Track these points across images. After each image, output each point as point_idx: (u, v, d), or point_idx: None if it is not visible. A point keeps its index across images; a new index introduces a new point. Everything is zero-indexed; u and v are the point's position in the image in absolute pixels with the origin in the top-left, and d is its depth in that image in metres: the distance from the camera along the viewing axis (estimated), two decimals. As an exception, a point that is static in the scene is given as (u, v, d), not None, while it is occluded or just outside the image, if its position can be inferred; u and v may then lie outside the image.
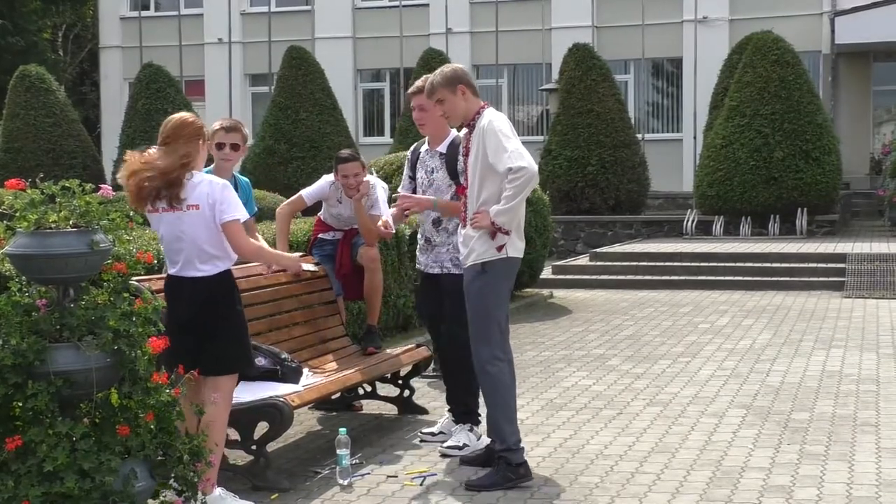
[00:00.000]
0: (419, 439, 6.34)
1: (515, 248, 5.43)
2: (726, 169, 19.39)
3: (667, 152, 26.38)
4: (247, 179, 7.19)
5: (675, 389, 7.80)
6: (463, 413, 6.17)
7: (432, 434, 6.30)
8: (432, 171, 6.13)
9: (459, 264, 5.73)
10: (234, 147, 6.57)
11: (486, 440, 5.90)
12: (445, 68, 5.58)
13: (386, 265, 9.97)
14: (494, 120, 5.38)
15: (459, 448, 5.96)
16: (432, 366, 7.74)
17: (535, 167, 5.26)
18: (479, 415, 6.11)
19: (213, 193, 4.80)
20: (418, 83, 6.02)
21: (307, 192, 7.49)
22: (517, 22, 27.42)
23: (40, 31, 35.26)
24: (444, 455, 5.95)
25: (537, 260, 12.68)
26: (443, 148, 6.13)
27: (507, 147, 5.24)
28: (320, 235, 7.61)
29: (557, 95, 22.17)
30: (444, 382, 6.38)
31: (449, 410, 6.32)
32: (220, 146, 6.49)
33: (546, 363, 8.93)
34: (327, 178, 7.37)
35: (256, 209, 7.16)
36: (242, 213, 4.95)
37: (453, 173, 5.97)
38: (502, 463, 5.35)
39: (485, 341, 5.40)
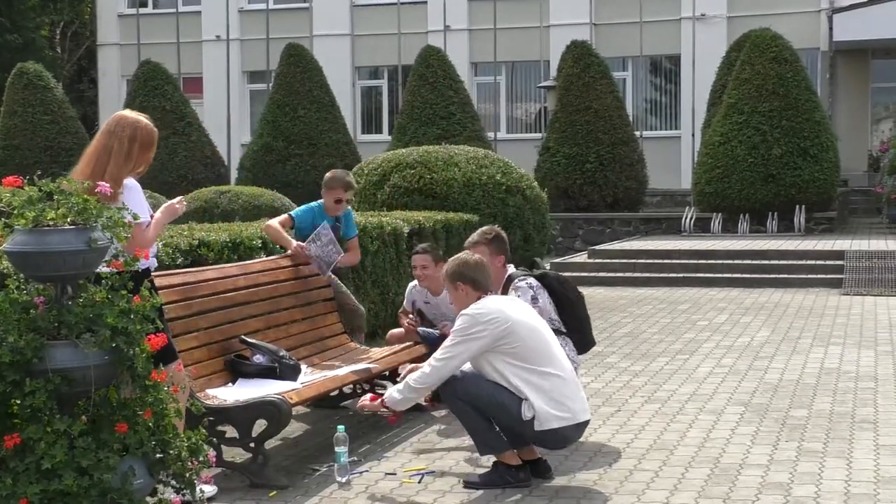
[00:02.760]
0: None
1: None
2: (724, 166, 19.40)
3: (665, 149, 26.40)
4: (349, 209, 7.78)
5: (673, 386, 7.80)
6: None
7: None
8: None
9: None
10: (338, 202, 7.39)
11: None
12: (454, 259, 5.67)
13: (385, 262, 9.99)
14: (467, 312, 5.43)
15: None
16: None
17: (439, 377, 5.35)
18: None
19: None
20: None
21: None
22: (515, 19, 27.41)
23: (38, 29, 35.23)
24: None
25: (534, 257, 12.67)
26: (499, 292, 6.22)
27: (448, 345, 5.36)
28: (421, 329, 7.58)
29: (556, 93, 22.18)
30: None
31: None
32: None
33: (544, 360, 8.92)
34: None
35: (357, 231, 7.85)
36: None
37: None
38: (501, 465, 5.34)
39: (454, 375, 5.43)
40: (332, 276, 7.50)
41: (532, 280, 6.25)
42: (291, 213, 7.71)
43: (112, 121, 5.17)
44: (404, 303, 7.78)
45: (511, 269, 6.39)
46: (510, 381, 5.28)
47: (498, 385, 5.31)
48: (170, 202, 5.19)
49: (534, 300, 6.12)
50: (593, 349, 8.06)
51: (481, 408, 5.32)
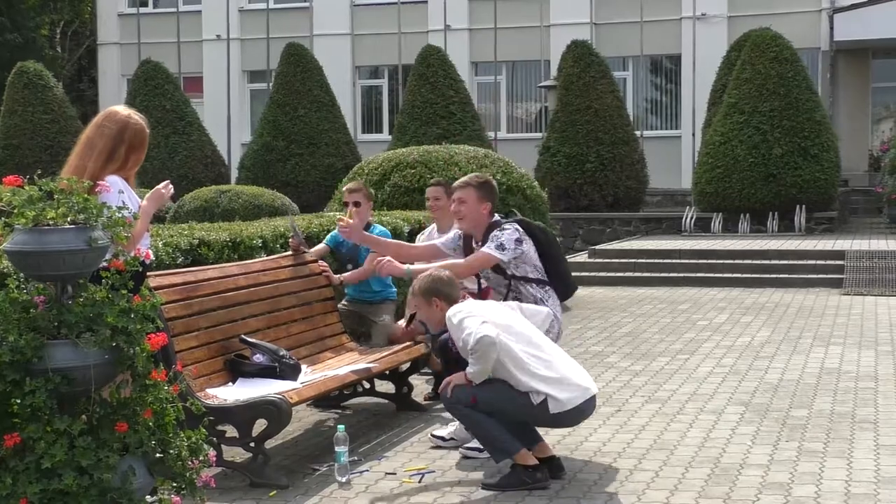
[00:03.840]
0: (428, 437, 6.31)
1: None
2: (725, 166, 19.39)
3: (665, 149, 26.40)
4: (383, 228, 7.94)
5: (673, 386, 7.80)
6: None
7: (443, 438, 6.21)
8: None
9: None
10: (357, 204, 7.53)
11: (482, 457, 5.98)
12: (425, 275, 5.67)
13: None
14: (452, 317, 5.44)
15: (481, 450, 5.97)
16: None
17: (492, 332, 5.23)
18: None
19: None
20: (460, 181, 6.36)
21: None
22: (516, 19, 27.41)
23: (38, 28, 35.24)
24: (465, 457, 5.91)
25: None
26: (482, 239, 6.25)
27: (465, 326, 5.30)
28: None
29: (556, 92, 22.18)
30: None
31: None
32: (346, 204, 7.59)
33: (544, 360, 8.92)
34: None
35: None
36: None
37: (498, 269, 6.15)
38: (519, 467, 5.32)
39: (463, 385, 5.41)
40: (387, 319, 7.74)
41: (517, 224, 6.21)
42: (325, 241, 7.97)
43: (101, 115, 5.13)
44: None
45: (497, 217, 6.35)
46: (511, 373, 5.27)
47: (499, 381, 5.32)
48: (155, 188, 5.11)
49: (518, 242, 6.09)
50: (593, 349, 8.05)
51: (487, 407, 5.31)
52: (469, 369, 5.34)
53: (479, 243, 6.26)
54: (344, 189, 7.88)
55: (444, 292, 5.56)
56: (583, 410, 5.38)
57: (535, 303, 6.11)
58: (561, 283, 6.35)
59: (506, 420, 5.34)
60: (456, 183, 6.42)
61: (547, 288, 6.22)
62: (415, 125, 21.96)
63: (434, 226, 7.97)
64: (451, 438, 6.19)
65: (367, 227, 7.81)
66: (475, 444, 5.93)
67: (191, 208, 15.38)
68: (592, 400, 5.42)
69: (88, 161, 4.92)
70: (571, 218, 20.72)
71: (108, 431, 3.92)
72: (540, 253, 6.25)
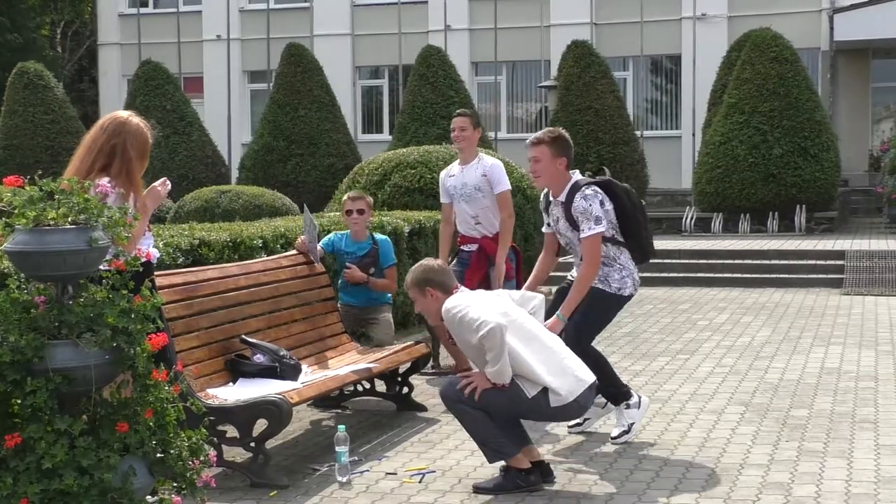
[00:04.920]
0: (568, 431, 6.36)
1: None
2: (725, 166, 19.40)
3: (665, 149, 26.39)
4: (386, 238, 8.07)
5: (673, 386, 7.80)
6: (613, 396, 6.23)
7: (578, 425, 6.31)
8: (557, 220, 6.29)
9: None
10: (360, 212, 7.72)
11: (646, 402, 6.26)
12: (417, 267, 5.57)
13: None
14: (451, 310, 5.32)
15: (627, 431, 6.10)
16: (431, 363, 7.75)
17: (499, 321, 5.15)
18: (626, 389, 6.26)
19: None
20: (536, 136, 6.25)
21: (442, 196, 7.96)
22: (516, 19, 27.41)
23: (39, 28, 35.26)
24: (616, 443, 6.06)
25: (536, 258, 12.66)
26: (562, 197, 6.19)
27: (469, 321, 5.20)
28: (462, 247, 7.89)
29: (556, 92, 22.18)
30: None
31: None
32: (349, 212, 7.74)
33: (545, 360, 8.92)
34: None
35: (395, 260, 7.96)
36: None
37: (572, 221, 6.11)
38: (512, 470, 5.30)
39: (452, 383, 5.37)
40: (387, 316, 7.81)
41: (597, 187, 6.15)
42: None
43: (108, 120, 5.11)
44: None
45: (577, 175, 6.23)
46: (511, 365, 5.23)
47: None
48: (151, 186, 5.10)
49: (601, 205, 6.05)
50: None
51: (484, 402, 5.22)
52: (489, 370, 5.20)
53: (558, 200, 6.18)
54: (345, 198, 7.86)
55: (436, 281, 5.44)
56: (583, 405, 5.33)
57: (610, 259, 6.13)
58: (639, 246, 6.31)
59: (502, 416, 5.27)
60: (529, 140, 6.27)
61: (622, 248, 6.21)
62: (415, 125, 21.96)
63: (456, 163, 7.90)
64: (586, 419, 6.30)
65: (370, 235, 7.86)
66: (619, 428, 6.15)
67: (191, 208, 15.39)
68: (591, 390, 5.34)
69: (88, 162, 4.93)
70: (572, 218, 20.70)
71: (109, 431, 3.92)
72: (619, 213, 6.20)
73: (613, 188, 6.22)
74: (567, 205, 6.10)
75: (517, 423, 5.42)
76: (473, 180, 7.67)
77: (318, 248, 7.46)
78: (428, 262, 5.61)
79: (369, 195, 8.97)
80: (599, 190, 6.13)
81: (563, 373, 5.25)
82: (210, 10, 29.51)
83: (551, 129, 6.37)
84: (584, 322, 6.08)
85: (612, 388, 6.23)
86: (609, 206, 6.13)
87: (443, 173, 8.00)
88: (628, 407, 6.20)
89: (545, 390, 5.19)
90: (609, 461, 5.80)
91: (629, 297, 6.26)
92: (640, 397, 6.29)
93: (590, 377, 5.35)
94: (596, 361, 5.99)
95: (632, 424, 6.18)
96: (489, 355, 5.15)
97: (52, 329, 3.91)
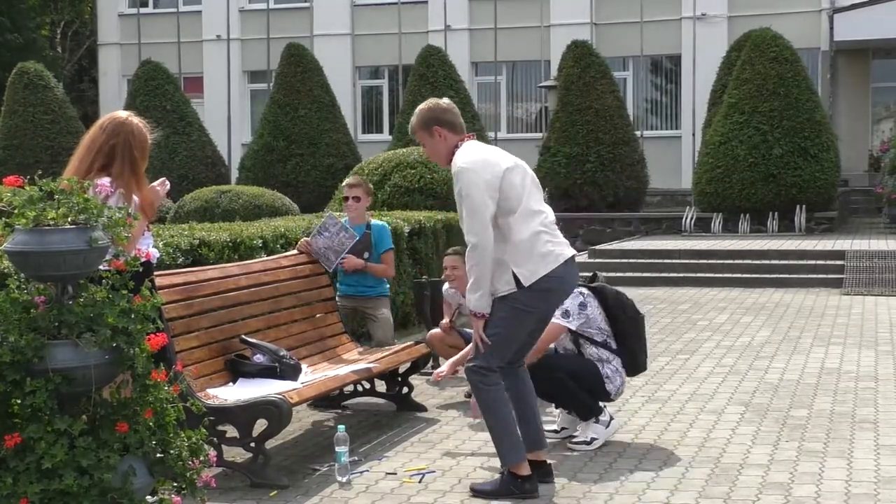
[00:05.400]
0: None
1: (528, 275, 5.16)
2: (725, 166, 19.40)
3: (665, 149, 26.40)
4: (382, 223, 8.11)
5: (673, 386, 7.80)
6: (584, 410, 6.19)
7: (556, 432, 6.29)
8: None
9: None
10: (356, 199, 7.81)
11: (615, 425, 6.22)
12: (422, 106, 5.31)
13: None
14: (462, 169, 5.10)
15: (588, 443, 6.05)
16: (430, 363, 7.74)
17: (487, 240, 4.99)
18: (600, 407, 6.19)
19: None
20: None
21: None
22: (516, 19, 27.42)
23: (39, 28, 35.27)
24: (572, 450, 6.03)
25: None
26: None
27: (464, 216, 5.07)
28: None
29: (556, 92, 22.19)
30: (552, 403, 6.36)
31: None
32: (345, 198, 7.84)
33: (545, 360, 8.92)
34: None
35: (392, 245, 8.03)
36: None
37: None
38: (507, 475, 5.26)
39: (486, 359, 5.21)
40: (386, 313, 7.83)
41: (584, 289, 6.15)
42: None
43: (107, 120, 5.11)
44: (443, 303, 7.85)
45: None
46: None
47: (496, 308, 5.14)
48: (150, 185, 5.09)
49: (581, 307, 6.06)
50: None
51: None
52: (469, 296, 5.05)
53: None
54: (344, 184, 7.89)
55: (444, 119, 5.16)
56: (564, 286, 5.27)
57: (599, 362, 6.14)
58: (630, 357, 6.32)
59: (504, 346, 5.15)
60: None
61: (614, 354, 6.21)
62: (415, 125, 21.95)
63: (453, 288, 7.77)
64: (563, 428, 6.30)
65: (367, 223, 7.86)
66: (582, 437, 6.10)
67: (191, 209, 15.39)
68: (571, 261, 5.27)
69: (87, 162, 4.92)
70: (571, 218, 20.69)
71: (109, 431, 3.92)
72: (609, 318, 6.22)
73: (602, 292, 6.23)
74: None
75: (538, 428, 5.39)
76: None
77: (347, 256, 7.45)
78: (434, 100, 5.34)
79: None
80: (586, 292, 6.13)
81: (544, 251, 5.20)
82: (210, 10, 29.52)
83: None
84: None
85: (584, 402, 6.17)
86: (591, 309, 6.11)
87: (449, 291, 7.81)
88: (597, 422, 6.15)
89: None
90: (609, 461, 5.80)
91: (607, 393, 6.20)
92: (611, 418, 6.25)
93: (569, 250, 5.30)
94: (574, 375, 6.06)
95: (594, 439, 6.11)
96: (469, 275, 5.07)
97: (52, 329, 3.91)
